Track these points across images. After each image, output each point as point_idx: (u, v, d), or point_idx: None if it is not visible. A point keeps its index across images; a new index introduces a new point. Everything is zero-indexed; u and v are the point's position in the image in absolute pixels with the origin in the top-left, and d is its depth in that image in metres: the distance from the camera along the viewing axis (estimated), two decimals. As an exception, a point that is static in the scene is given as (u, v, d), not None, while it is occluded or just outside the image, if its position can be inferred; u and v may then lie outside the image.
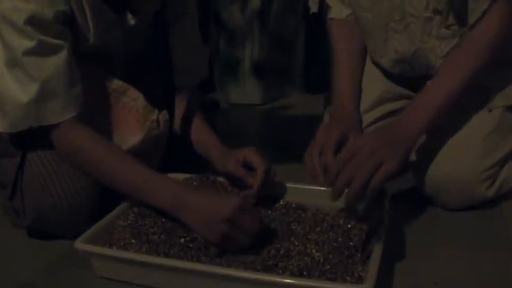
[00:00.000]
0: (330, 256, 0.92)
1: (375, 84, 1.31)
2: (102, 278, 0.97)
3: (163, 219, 1.01)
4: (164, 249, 0.95)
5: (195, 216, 0.96)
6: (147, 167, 1.03)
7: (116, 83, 1.14)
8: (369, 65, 1.34)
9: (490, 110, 1.19)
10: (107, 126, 1.12)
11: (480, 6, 1.09)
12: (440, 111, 1.09)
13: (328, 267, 0.90)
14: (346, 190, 0.97)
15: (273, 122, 2.08)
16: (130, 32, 1.15)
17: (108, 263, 0.95)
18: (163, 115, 1.15)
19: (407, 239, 1.09)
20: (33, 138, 1.06)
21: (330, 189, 0.99)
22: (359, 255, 0.92)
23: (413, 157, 1.24)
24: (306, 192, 1.14)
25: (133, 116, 1.13)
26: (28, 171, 1.07)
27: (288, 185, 1.16)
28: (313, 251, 0.93)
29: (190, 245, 0.96)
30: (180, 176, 1.19)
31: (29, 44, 0.98)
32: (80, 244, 0.94)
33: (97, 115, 1.12)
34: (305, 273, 0.89)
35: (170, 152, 1.21)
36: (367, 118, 1.29)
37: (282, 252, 0.94)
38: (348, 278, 0.88)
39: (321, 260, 0.91)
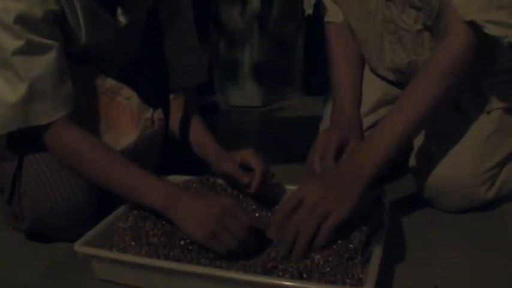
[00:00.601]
0: (330, 258, 0.91)
1: (374, 87, 1.31)
2: (102, 280, 0.97)
3: (163, 222, 1.01)
4: (164, 252, 0.95)
5: (185, 215, 0.96)
6: (139, 167, 1.03)
7: (109, 83, 1.13)
8: (368, 69, 1.34)
9: (488, 113, 1.20)
10: (101, 126, 1.12)
11: (445, 27, 1.07)
12: (399, 143, 1.01)
13: (328, 269, 0.90)
14: None
15: (273, 124, 2.08)
16: (123, 31, 1.14)
17: (108, 266, 0.95)
18: (158, 113, 1.15)
19: (407, 242, 1.09)
20: (29, 141, 1.06)
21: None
22: (359, 258, 0.92)
23: (412, 160, 1.24)
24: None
25: (128, 115, 1.12)
26: (26, 175, 1.07)
27: (287, 186, 1.16)
28: (313, 253, 0.93)
29: (190, 247, 0.96)
30: (180, 178, 1.19)
31: (17, 43, 0.98)
32: (79, 247, 0.94)
33: (91, 115, 1.11)
34: (305, 275, 0.89)
35: (170, 154, 1.21)
36: (367, 121, 1.29)
37: (281, 254, 0.94)
38: (348, 281, 0.88)
39: (321, 263, 0.91)
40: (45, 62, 1.01)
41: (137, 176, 1.01)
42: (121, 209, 1.05)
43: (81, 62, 1.11)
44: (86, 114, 1.10)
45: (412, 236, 1.11)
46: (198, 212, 0.95)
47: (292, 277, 0.89)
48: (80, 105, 1.07)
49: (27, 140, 1.06)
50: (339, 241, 0.95)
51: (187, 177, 1.18)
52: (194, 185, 1.15)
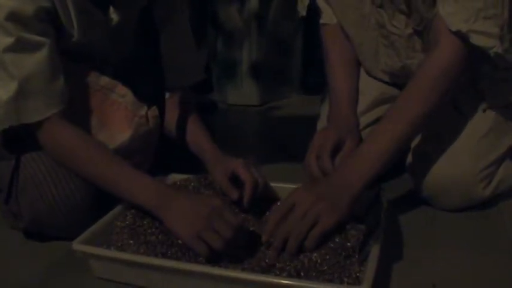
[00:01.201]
0: (327, 257, 0.92)
1: (371, 86, 1.32)
2: (100, 279, 0.97)
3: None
4: (162, 250, 0.95)
5: (175, 214, 0.97)
6: (131, 165, 1.03)
7: (104, 80, 1.13)
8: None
9: (484, 111, 1.20)
10: (96, 123, 1.12)
11: (434, 37, 1.07)
12: (385, 158, 1.02)
13: (325, 268, 0.90)
14: None
15: (271, 123, 2.08)
16: (116, 30, 1.14)
17: (106, 264, 0.96)
18: (153, 111, 1.14)
19: (405, 240, 1.09)
20: (26, 140, 1.06)
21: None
22: (356, 256, 0.92)
23: (409, 159, 1.25)
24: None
25: (122, 113, 1.12)
26: (23, 174, 1.06)
27: (285, 185, 1.16)
28: (311, 251, 0.93)
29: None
30: (178, 177, 1.19)
31: (8, 40, 0.98)
32: (78, 245, 0.95)
33: (85, 113, 1.11)
34: (302, 274, 0.89)
35: (168, 153, 1.21)
36: (364, 120, 1.29)
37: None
38: (346, 279, 0.88)
39: (318, 261, 0.91)
40: (37, 60, 1.01)
41: (129, 175, 1.02)
42: (119, 208, 1.06)
43: (75, 60, 1.11)
44: (81, 112, 1.10)
45: (410, 235, 1.11)
46: (186, 211, 0.96)
47: (290, 276, 0.89)
48: (74, 103, 1.07)
49: (24, 139, 1.06)
50: (337, 240, 0.95)
51: (185, 176, 1.18)
52: (192, 184, 1.15)
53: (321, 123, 1.36)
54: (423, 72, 1.06)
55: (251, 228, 1.03)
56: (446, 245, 1.09)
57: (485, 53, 1.03)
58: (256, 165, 1.11)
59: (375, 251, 0.90)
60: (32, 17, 0.99)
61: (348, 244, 0.94)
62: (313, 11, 1.33)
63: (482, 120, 1.19)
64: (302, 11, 1.32)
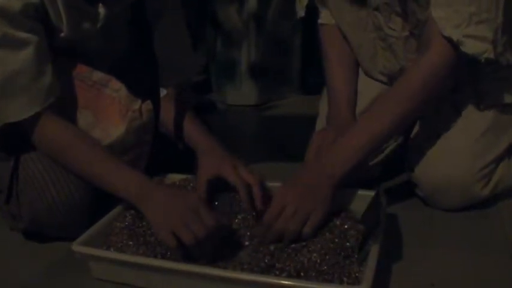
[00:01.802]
0: (327, 257, 0.92)
1: (370, 86, 1.31)
2: (100, 280, 0.97)
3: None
4: (161, 251, 0.96)
5: (155, 207, 0.97)
6: (116, 158, 1.04)
7: (96, 75, 1.12)
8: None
9: (483, 110, 1.20)
10: (91, 119, 1.11)
11: (426, 40, 1.08)
12: (364, 152, 1.06)
13: (325, 268, 0.90)
14: None
15: (270, 123, 2.08)
16: (107, 25, 1.13)
17: (106, 265, 0.96)
18: (147, 105, 1.13)
19: (404, 240, 1.10)
20: (24, 140, 1.06)
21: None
22: (356, 256, 0.92)
23: (408, 159, 1.25)
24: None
25: (116, 107, 1.11)
26: (22, 174, 1.07)
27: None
28: (310, 251, 0.94)
29: (188, 247, 0.96)
30: (177, 177, 1.19)
31: None
32: (77, 246, 0.95)
33: (81, 109, 1.11)
34: (302, 274, 0.89)
35: (165, 151, 1.20)
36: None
37: (278, 253, 0.95)
38: (345, 279, 0.88)
39: (318, 261, 0.91)
40: (22, 57, 1.00)
41: (113, 168, 1.03)
42: (118, 209, 1.06)
43: (67, 56, 1.10)
44: (76, 108, 1.10)
45: (409, 235, 1.11)
46: (164, 204, 0.96)
47: (290, 276, 0.89)
48: (69, 99, 1.07)
49: (23, 139, 1.06)
50: (336, 240, 0.95)
51: (184, 176, 1.18)
52: (191, 184, 1.15)
53: (320, 122, 1.36)
54: (413, 72, 1.07)
55: (250, 229, 1.03)
56: (445, 245, 1.09)
57: (476, 58, 1.03)
58: (247, 166, 1.11)
59: (374, 251, 0.90)
60: (18, 13, 0.98)
61: (347, 244, 0.94)
62: (312, 11, 1.33)
63: (480, 119, 1.19)
64: (300, 11, 1.32)
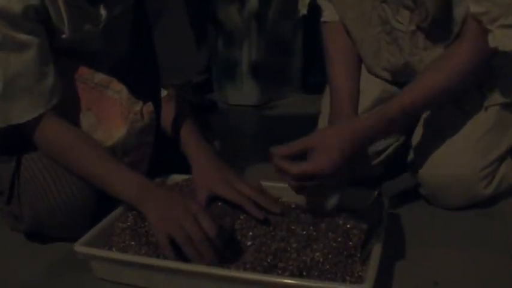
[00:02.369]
0: (330, 256, 0.92)
1: (372, 84, 1.31)
2: (102, 280, 0.97)
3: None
4: (163, 251, 0.95)
5: (154, 209, 0.97)
6: (117, 159, 1.05)
7: (98, 77, 1.12)
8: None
9: (486, 109, 1.20)
10: (93, 121, 1.11)
11: (455, 27, 1.08)
12: (392, 124, 1.07)
13: (327, 267, 0.90)
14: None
15: (271, 123, 2.07)
16: (109, 26, 1.13)
17: (108, 265, 0.96)
18: (148, 107, 1.13)
19: (407, 239, 1.09)
20: (26, 141, 1.06)
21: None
22: (358, 255, 0.92)
23: (411, 157, 1.25)
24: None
25: (117, 109, 1.11)
26: (23, 175, 1.07)
27: (285, 185, 1.16)
28: (313, 251, 0.93)
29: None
30: (180, 177, 1.19)
31: None
32: (79, 247, 0.95)
33: (81, 111, 1.11)
34: (304, 273, 0.89)
35: (166, 152, 1.20)
36: (365, 118, 1.29)
37: (281, 252, 0.94)
38: (348, 278, 0.88)
39: (321, 260, 0.91)
40: (24, 59, 1.00)
41: (113, 170, 1.03)
42: (120, 209, 1.06)
43: (69, 58, 1.10)
44: (78, 110, 1.10)
45: (411, 234, 1.11)
46: (164, 209, 0.96)
47: (292, 275, 0.89)
48: (71, 101, 1.07)
49: (24, 140, 1.06)
50: (339, 239, 0.95)
51: (186, 177, 1.18)
52: (194, 185, 1.15)
53: (322, 121, 1.36)
54: (449, 58, 1.08)
55: (250, 233, 1.02)
56: (448, 244, 1.09)
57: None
58: (239, 177, 1.11)
59: (376, 250, 0.90)
60: (19, 15, 0.98)
61: (350, 243, 0.94)
62: (314, 10, 1.33)
63: (484, 118, 1.19)
64: (303, 9, 1.32)
